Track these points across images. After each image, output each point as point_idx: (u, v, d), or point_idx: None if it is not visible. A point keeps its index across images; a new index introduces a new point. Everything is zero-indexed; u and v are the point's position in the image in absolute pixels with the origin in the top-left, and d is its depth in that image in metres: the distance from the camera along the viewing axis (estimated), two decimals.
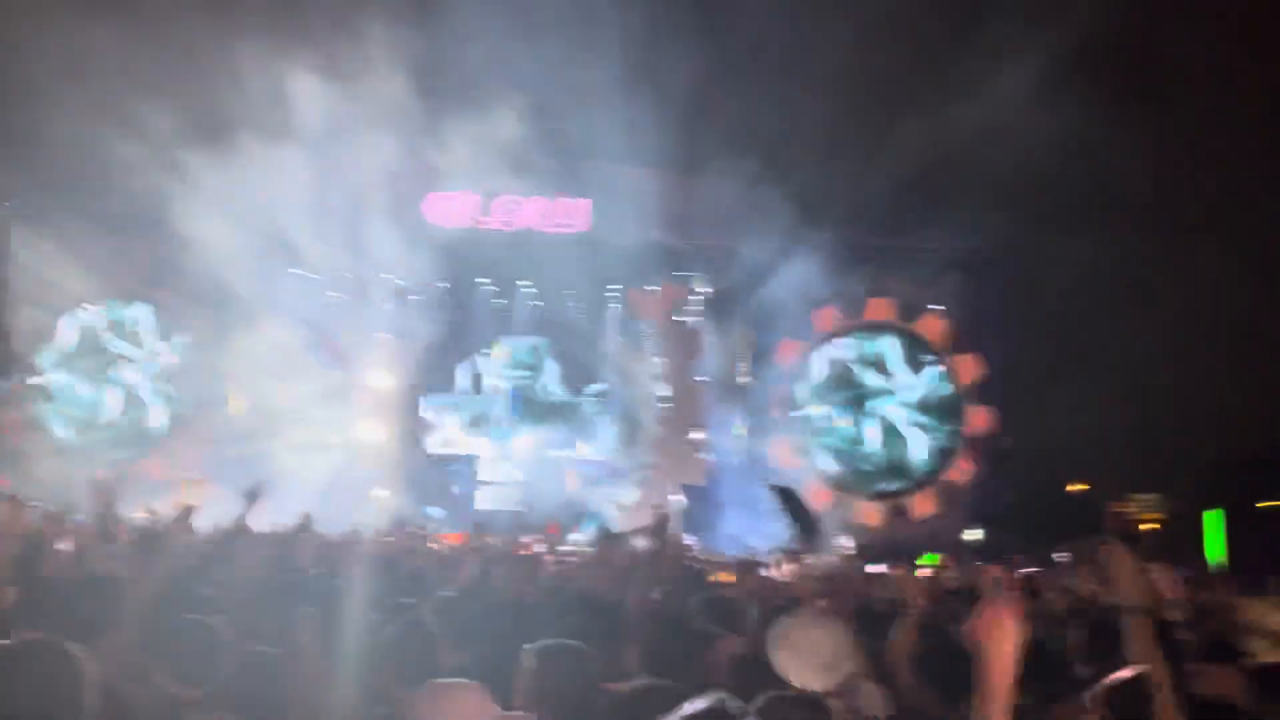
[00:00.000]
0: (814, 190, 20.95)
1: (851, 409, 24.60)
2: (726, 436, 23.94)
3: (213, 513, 7.05)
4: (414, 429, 24.34)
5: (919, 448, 24.44)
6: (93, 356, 24.01)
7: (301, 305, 22.82)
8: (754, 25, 21.84)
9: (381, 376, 23.68)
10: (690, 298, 24.80)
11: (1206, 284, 20.01)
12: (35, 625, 2.79)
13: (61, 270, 21.44)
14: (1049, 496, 24.00)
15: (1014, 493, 22.94)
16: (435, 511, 21.56)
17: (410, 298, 24.00)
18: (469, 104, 20.57)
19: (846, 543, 19.17)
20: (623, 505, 23.05)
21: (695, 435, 24.32)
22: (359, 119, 20.32)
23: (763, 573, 8.43)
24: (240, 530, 4.95)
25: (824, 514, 20.41)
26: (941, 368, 24.60)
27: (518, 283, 24.41)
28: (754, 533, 17.89)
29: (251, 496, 5.05)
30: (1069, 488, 25.47)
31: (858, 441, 24.50)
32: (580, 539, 16.99)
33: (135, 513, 9.11)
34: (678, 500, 21.84)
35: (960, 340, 24.37)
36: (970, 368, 24.23)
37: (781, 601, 4.98)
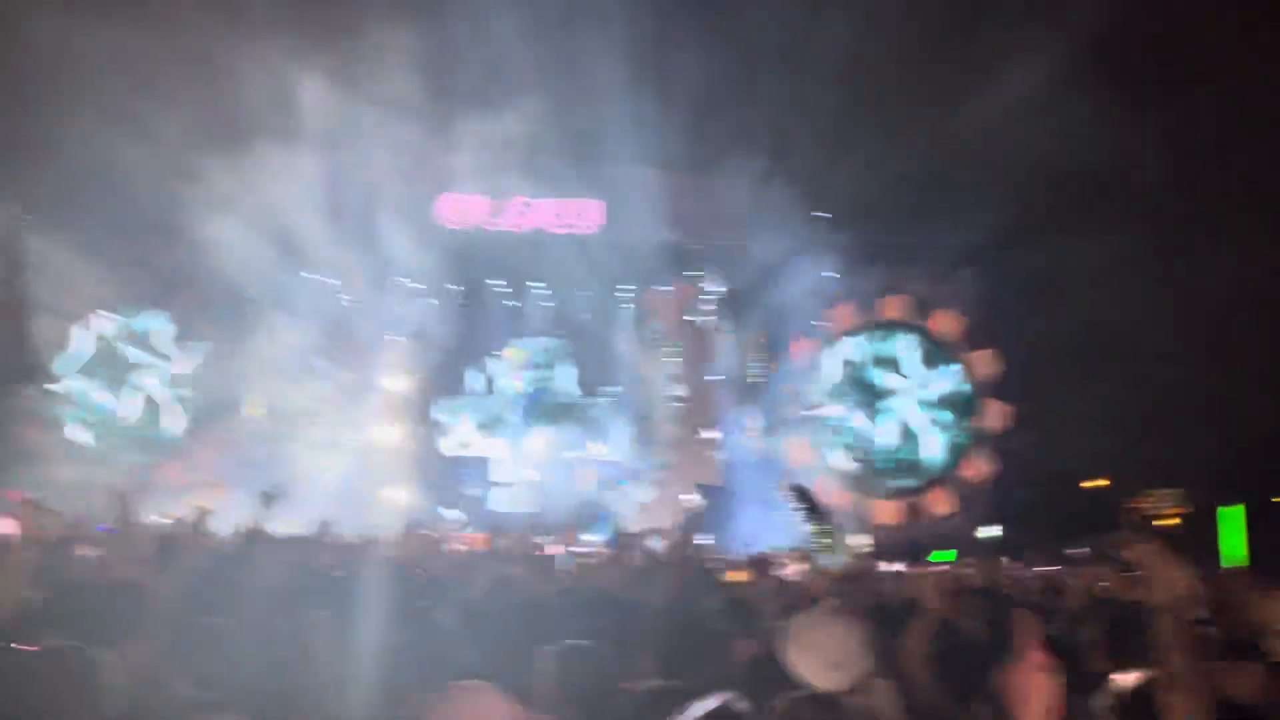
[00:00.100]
0: (826, 188, 20.93)
1: (866, 407, 24.54)
2: (740, 436, 23.92)
3: (230, 517, 7.10)
4: (428, 431, 24.40)
5: (934, 445, 24.36)
6: (110, 363, 24.17)
7: (315, 308, 22.92)
8: (764, 23, 21.81)
9: (395, 379, 23.77)
10: (703, 297, 24.79)
11: (1223, 277, 19.86)
12: (56, 631, 2.82)
13: (79, 277, 21.57)
14: (1065, 493, 23.91)
15: (1030, 489, 22.85)
16: (451, 513, 21.61)
17: (423, 300, 24.09)
18: (481, 106, 20.62)
19: (862, 541, 19.14)
20: (637, 505, 23.06)
21: (709, 435, 24.31)
22: (371, 122, 20.39)
23: (777, 572, 8.42)
24: (258, 534, 4.98)
25: (839, 513, 20.38)
26: (956, 365, 24.52)
27: (530, 284, 24.46)
28: (768, 532, 17.86)
29: (268, 500, 5.08)
30: (1085, 484, 25.35)
31: (872, 440, 24.43)
32: (595, 540, 16.99)
33: (154, 518, 9.17)
34: (692, 500, 21.84)
35: (974, 337, 24.28)
36: (985, 364, 24.13)
37: (796, 601, 4.97)
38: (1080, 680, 2.93)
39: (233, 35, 18.78)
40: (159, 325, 24.31)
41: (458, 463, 24.54)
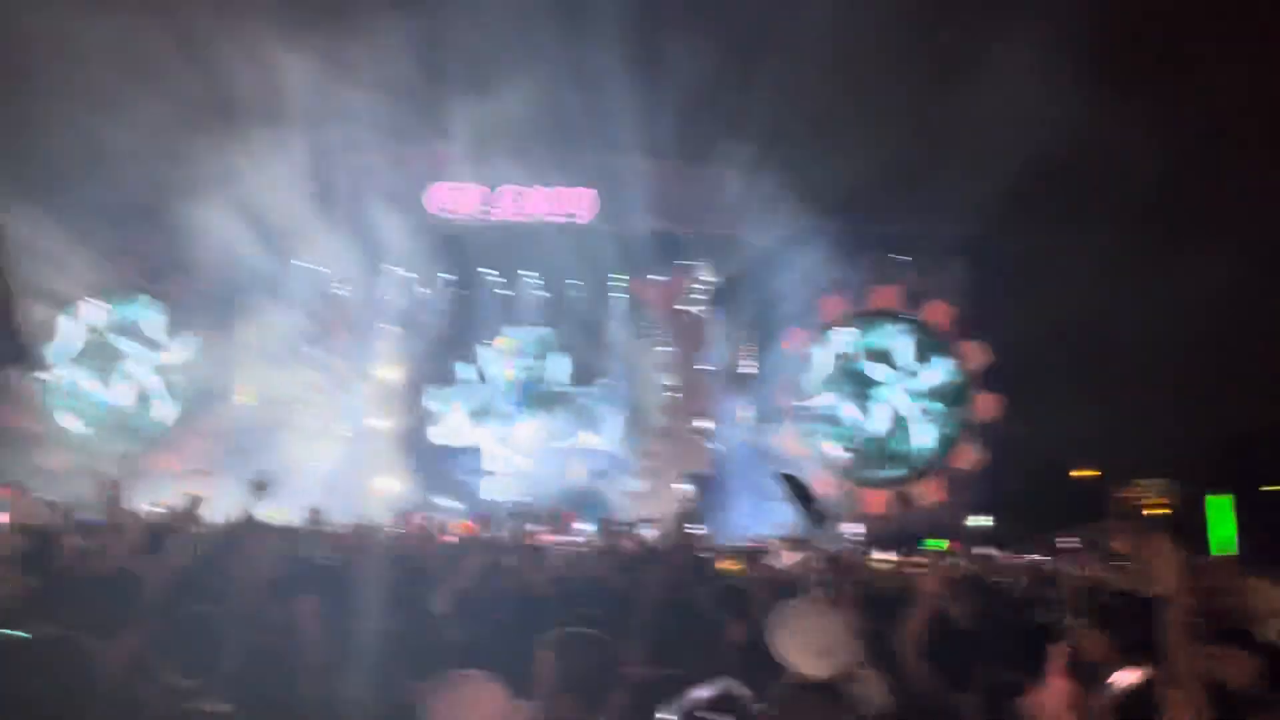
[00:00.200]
0: (818, 178, 20.91)
1: (857, 396, 24.59)
2: (732, 425, 23.94)
3: (220, 505, 7.08)
4: (419, 419, 24.37)
5: (925, 435, 24.42)
6: (100, 351, 24.07)
7: (307, 296, 22.85)
8: (755, 12, 21.77)
9: (386, 367, 23.71)
10: (695, 286, 24.77)
11: (1212, 268, 19.94)
12: (47, 620, 2.80)
13: (68, 265, 21.44)
14: (1055, 482, 24.02)
15: (1020, 479, 22.93)
16: (445, 502, 21.60)
17: (415, 288, 24.03)
18: (472, 95, 20.53)
19: (853, 530, 19.19)
20: (628, 494, 23.07)
21: (700, 424, 24.32)
22: (363, 109, 20.29)
23: (769, 561, 8.44)
24: (248, 522, 4.96)
25: (830, 501, 20.43)
26: (947, 355, 24.57)
27: (522, 273, 24.40)
28: (760, 520, 17.89)
29: (258, 489, 5.05)
30: (1075, 473, 25.47)
31: (863, 429, 24.49)
32: (587, 528, 17.00)
33: (144, 506, 9.14)
34: (683, 489, 21.86)
35: (966, 327, 24.33)
36: (976, 354, 24.19)
37: (787, 589, 4.98)
38: (1074, 670, 2.93)
39: (226, 21, 18.66)
40: (149, 313, 24.21)
41: (449, 451, 24.52)
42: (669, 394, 24.60)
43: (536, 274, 24.40)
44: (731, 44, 21.19)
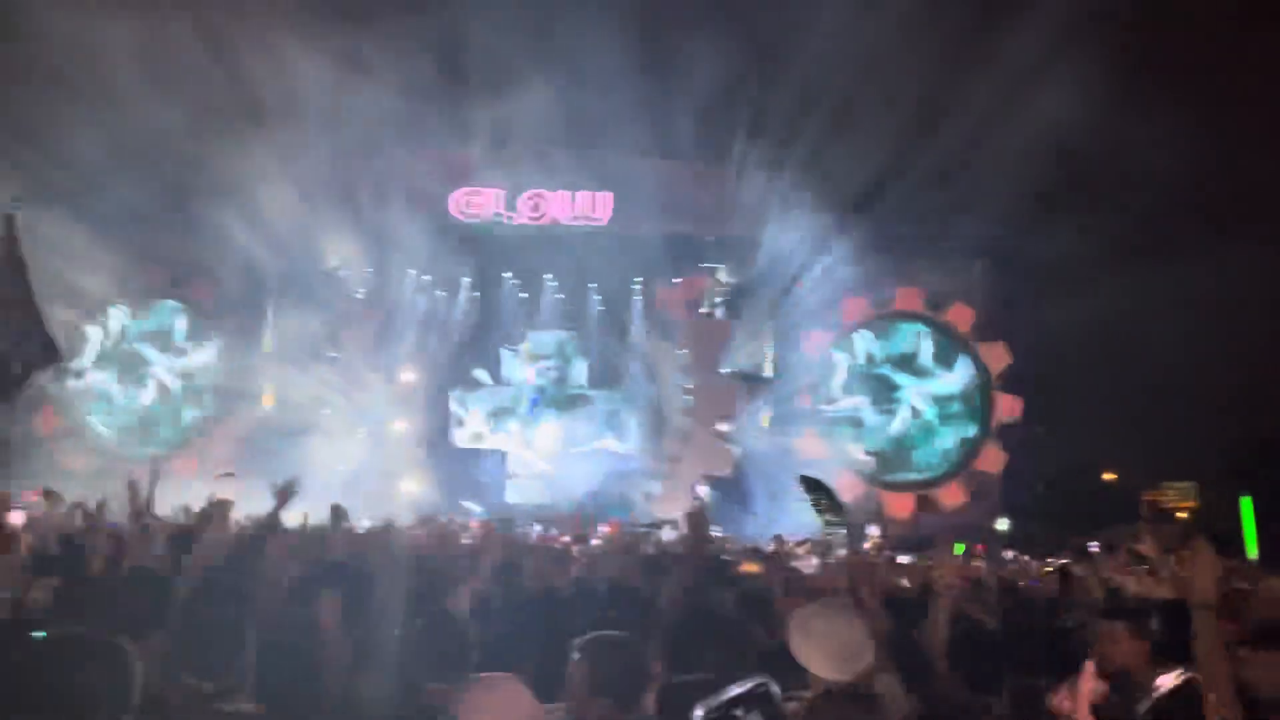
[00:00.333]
0: (838, 180, 20.87)
1: (879, 399, 24.46)
2: (752, 428, 23.88)
3: (246, 508, 7.13)
4: (442, 423, 24.48)
5: (947, 437, 24.27)
6: (126, 356, 24.31)
7: (330, 301, 23.01)
8: (776, 16, 21.75)
9: (409, 371, 23.83)
10: (715, 289, 24.73)
11: (1236, 269, 19.75)
12: (75, 621, 2.83)
13: (95, 269, 21.65)
14: (1080, 485, 23.82)
15: (1044, 482, 22.77)
16: (470, 504, 21.68)
17: (437, 293, 24.16)
18: (493, 100, 20.62)
19: (875, 533, 19.10)
20: (650, 497, 23.07)
21: (721, 427, 24.28)
22: (385, 115, 20.42)
23: (790, 564, 8.40)
24: (273, 525, 4.99)
25: (852, 504, 20.34)
26: (970, 357, 24.40)
27: (543, 277, 24.47)
28: (781, 523, 17.84)
29: (283, 492, 5.08)
30: (1099, 476, 25.25)
31: (885, 431, 24.36)
32: (608, 531, 17.00)
33: (170, 509, 9.21)
34: (704, 492, 21.84)
35: (988, 329, 24.16)
36: (999, 356, 24.01)
37: (808, 592, 4.96)
38: (1101, 674, 2.91)
39: (250, 24, 18.81)
40: (174, 317, 24.43)
41: (471, 454, 24.62)
42: (689, 397, 24.59)
43: (557, 278, 24.47)
44: (750, 45, 21.21)
